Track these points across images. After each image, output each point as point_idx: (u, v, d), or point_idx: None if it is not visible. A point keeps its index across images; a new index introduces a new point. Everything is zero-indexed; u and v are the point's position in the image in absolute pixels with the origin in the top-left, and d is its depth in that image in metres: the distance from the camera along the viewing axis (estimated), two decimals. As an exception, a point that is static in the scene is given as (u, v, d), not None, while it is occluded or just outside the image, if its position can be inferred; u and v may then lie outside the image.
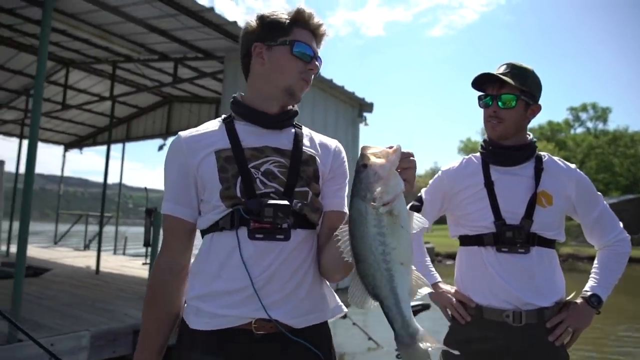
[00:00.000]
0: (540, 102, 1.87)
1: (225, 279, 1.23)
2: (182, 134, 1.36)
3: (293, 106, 1.42)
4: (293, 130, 1.40)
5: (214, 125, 1.38)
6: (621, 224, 1.91)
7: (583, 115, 51.27)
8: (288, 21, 1.34)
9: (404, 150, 1.03)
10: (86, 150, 13.21)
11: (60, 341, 3.76)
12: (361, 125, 8.26)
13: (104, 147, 12.81)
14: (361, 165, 1.00)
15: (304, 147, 1.36)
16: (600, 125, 50.26)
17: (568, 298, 1.85)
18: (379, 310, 1.01)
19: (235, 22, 5.41)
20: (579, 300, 1.81)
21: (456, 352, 1.17)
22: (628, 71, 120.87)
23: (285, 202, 1.23)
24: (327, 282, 1.38)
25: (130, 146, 12.01)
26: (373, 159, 0.99)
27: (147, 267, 6.64)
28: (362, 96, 8.06)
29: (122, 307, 5.09)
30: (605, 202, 1.91)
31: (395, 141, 1.06)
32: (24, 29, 6.69)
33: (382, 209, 0.97)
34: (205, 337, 1.23)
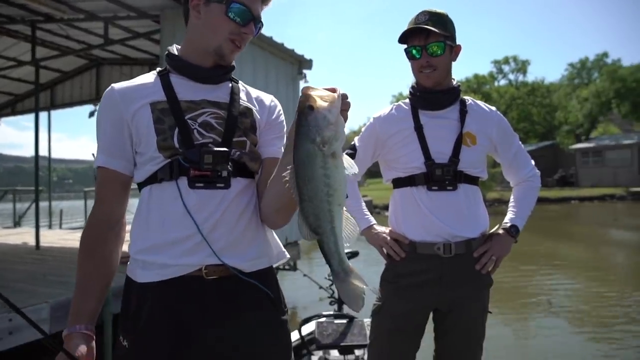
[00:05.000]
0: (467, 56, 2.06)
1: (170, 229, 1.22)
2: (115, 85, 1.31)
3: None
4: (230, 84, 1.39)
5: (148, 78, 1.34)
6: (533, 162, 2.10)
7: (505, 68, 53.56)
8: None
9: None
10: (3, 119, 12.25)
11: (18, 316, 3.65)
12: (301, 82, 8.28)
13: (21, 117, 11.94)
14: (307, 107, 0.98)
15: (240, 100, 1.36)
16: (521, 77, 52.78)
17: (491, 231, 2.01)
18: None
19: (171, -22, 5.19)
20: (500, 231, 1.98)
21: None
22: (544, 24, 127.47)
23: (224, 149, 1.25)
24: (272, 231, 1.41)
25: (53, 114, 11.17)
26: (320, 102, 0.98)
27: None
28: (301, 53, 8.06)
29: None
30: (521, 143, 2.09)
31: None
32: None
33: (327, 151, 0.99)
34: (156, 288, 1.23)
